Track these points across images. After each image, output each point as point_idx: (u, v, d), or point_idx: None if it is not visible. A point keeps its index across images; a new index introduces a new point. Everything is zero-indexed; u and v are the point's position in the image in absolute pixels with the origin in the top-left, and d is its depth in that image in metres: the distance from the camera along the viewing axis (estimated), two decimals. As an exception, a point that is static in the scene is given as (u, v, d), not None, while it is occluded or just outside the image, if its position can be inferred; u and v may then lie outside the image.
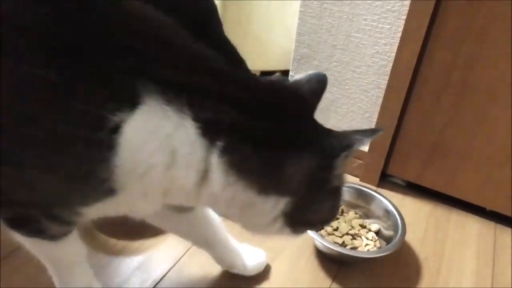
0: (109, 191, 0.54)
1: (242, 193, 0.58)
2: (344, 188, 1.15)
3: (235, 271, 0.95)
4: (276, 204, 0.60)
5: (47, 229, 0.63)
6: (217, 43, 0.58)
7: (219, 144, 0.53)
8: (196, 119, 0.52)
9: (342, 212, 1.15)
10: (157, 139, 0.52)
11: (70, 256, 0.74)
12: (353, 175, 1.37)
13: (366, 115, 1.29)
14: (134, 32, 0.50)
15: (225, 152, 0.54)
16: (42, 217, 0.62)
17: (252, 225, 0.65)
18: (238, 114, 0.54)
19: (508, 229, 1.22)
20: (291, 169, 0.58)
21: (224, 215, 0.75)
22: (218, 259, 0.95)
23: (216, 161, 0.54)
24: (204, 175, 0.55)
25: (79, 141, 0.50)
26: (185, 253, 1.01)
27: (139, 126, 0.50)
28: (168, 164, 0.53)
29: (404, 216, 1.07)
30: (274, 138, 0.56)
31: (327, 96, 1.32)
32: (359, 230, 1.09)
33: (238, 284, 0.95)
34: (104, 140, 0.50)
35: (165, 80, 0.51)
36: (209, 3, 0.64)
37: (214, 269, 0.97)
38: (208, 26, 0.60)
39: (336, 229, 1.08)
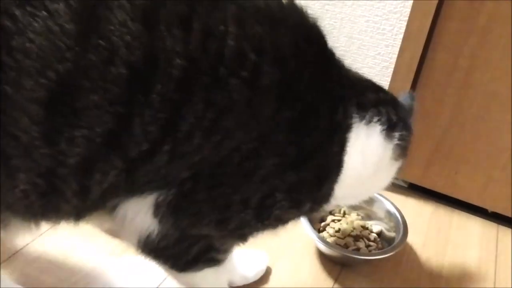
0: None
1: (390, 161, 0.76)
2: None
3: (234, 285, 0.94)
4: (397, 165, 0.80)
5: (221, 252, 0.71)
6: None
7: (394, 134, 0.72)
8: (381, 123, 0.70)
9: (344, 213, 1.15)
10: (358, 145, 0.67)
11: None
12: (355, 177, 1.37)
13: (368, 117, 1.29)
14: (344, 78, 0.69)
15: (398, 139, 0.73)
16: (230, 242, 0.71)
17: (373, 184, 0.81)
18: (395, 114, 0.73)
19: (509, 230, 1.21)
20: (409, 143, 0.79)
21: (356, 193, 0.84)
22: None
23: (391, 147, 0.73)
24: (381, 161, 0.73)
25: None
26: (187, 255, 1.01)
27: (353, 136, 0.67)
28: (361, 162, 0.70)
29: (406, 218, 1.07)
30: (405, 127, 0.76)
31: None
32: (361, 232, 1.09)
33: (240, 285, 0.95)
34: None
35: (361, 103, 0.68)
36: None
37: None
38: None
39: (338, 231, 1.08)
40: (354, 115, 0.67)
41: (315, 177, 0.65)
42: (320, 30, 0.63)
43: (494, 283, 1.04)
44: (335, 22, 1.21)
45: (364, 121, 0.68)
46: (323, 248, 1.01)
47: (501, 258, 1.12)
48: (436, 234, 1.18)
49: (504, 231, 1.21)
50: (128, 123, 0.49)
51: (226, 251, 0.71)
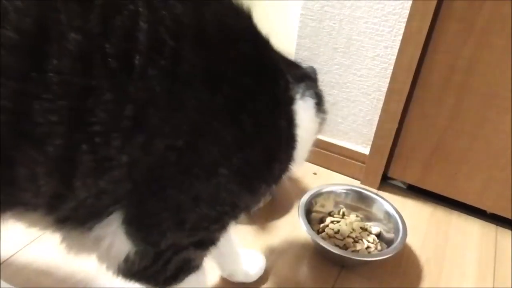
0: None
1: (315, 135, 0.78)
2: (345, 191, 1.17)
3: (235, 279, 0.94)
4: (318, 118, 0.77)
5: (198, 259, 0.70)
6: None
7: (322, 108, 0.75)
8: (312, 97, 0.71)
9: (344, 215, 1.15)
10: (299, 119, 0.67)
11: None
12: (354, 178, 1.37)
13: (367, 118, 1.29)
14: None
15: (324, 113, 0.77)
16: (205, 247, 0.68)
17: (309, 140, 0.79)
18: (317, 88, 0.76)
19: (508, 232, 1.22)
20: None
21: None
22: (222, 267, 0.94)
23: (319, 121, 0.75)
24: (312, 136, 0.75)
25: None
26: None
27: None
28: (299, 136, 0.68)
29: (405, 219, 1.07)
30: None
31: (327, 99, 1.32)
32: (360, 233, 1.09)
33: (239, 285, 0.95)
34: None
35: (294, 77, 0.68)
36: None
37: (215, 270, 0.97)
38: None
39: (337, 232, 1.08)
40: (294, 87, 0.67)
41: (263, 157, 0.62)
42: (244, 8, 0.60)
43: (493, 284, 1.04)
44: (334, 23, 1.21)
45: (299, 95, 0.68)
46: (322, 249, 1.01)
47: (500, 259, 1.12)
48: (435, 235, 1.18)
49: (502, 232, 1.22)
50: (27, 104, 0.43)
51: (202, 257, 0.70)
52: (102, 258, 0.61)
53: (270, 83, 0.62)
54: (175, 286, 0.68)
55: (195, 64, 0.51)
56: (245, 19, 0.60)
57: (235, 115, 0.56)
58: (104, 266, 0.62)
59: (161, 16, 0.48)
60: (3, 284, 0.86)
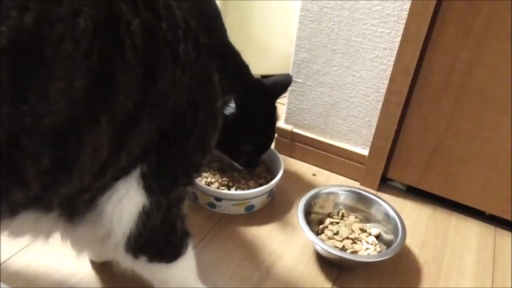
0: None
1: None
2: (344, 192, 1.17)
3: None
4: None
5: (185, 216, 0.76)
6: (221, 47, 0.77)
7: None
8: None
9: (343, 216, 1.15)
10: None
11: None
12: (353, 179, 1.37)
13: (366, 119, 1.29)
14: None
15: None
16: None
17: None
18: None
19: (507, 233, 1.22)
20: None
21: None
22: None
23: None
24: None
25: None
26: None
27: None
28: None
29: (404, 220, 1.07)
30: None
31: (327, 100, 1.32)
32: (359, 234, 1.10)
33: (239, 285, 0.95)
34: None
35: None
36: (213, 8, 0.78)
37: (215, 271, 0.97)
38: (212, 30, 0.70)
39: (337, 233, 1.08)
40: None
41: (221, 104, 0.76)
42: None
43: (492, 285, 1.04)
44: (333, 25, 1.21)
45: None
46: (322, 250, 1.02)
47: (499, 260, 1.12)
48: (434, 237, 1.18)
49: (501, 233, 1.22)
50: (109, 78, 0.48)
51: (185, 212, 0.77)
52: (114, 223, 0.63)
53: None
54: (180, 259, 0.74)
55: (203, 39, 0.65)
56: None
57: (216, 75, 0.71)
58: (111, 243, 0.66)
59: (183, 6, 0.61)
60: (3, 285, 0.86)
